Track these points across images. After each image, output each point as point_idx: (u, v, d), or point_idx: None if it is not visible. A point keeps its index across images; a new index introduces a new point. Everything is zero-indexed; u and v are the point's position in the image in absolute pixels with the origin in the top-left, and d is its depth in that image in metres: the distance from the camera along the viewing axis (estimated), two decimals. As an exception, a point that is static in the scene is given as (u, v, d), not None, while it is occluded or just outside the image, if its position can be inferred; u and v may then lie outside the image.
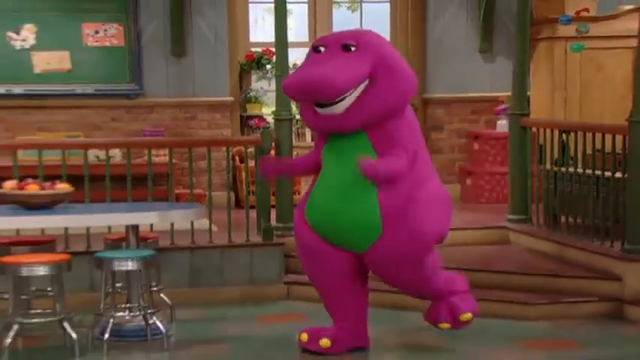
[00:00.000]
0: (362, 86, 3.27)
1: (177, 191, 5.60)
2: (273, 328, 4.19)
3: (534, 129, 5.28)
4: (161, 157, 5.70)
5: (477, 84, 6.64)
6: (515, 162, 5.25)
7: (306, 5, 6.88)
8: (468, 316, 3.60)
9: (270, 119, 6.25)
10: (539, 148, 5.20)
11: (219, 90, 6.44)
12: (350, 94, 3.26)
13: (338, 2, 7.23)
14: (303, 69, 3.43)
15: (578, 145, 4.75)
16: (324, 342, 3.56)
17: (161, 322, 3.85)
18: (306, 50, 7.37)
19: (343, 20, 7.16)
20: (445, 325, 3.64)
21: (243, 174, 5.75)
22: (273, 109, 5.23)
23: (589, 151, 4.65)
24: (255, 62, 6.72)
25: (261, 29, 7.09)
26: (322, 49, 3.37)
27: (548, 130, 5.05)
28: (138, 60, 6.25)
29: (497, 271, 4.62)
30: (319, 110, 3.34)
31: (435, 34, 6.73)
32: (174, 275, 4.55)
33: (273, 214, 4.89)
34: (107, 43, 6.25)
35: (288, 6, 5.18)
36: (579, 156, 4.76)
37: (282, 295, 4.73)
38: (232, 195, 5.38)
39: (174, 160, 5.07)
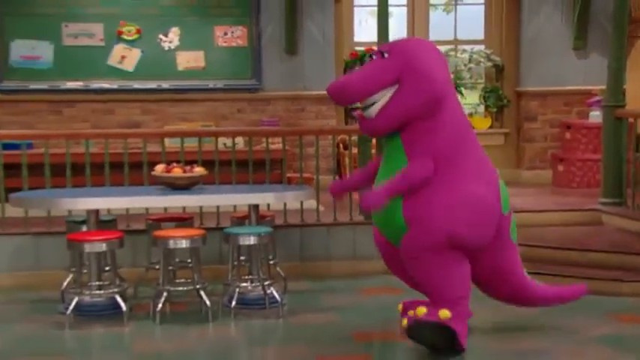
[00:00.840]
0: (392, 91, 3.09)
1: (288, 175, 5.61)
2: (374, 299, 4.10)
3: (631, 119, 4.99)
4: (276, 144, 5.71)
5: (571, 78, 6.47)
6: (609, 150, 4.98)
7: (405, 8, 6.78)
8: (446, 313, 3.15)
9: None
10: (637, 137, 4.92)
11: (326, 84, 6.22)
12: (379, 98, 3.09)
13: (434, 5, 7.05)
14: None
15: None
16: (420, 309, 3.28)
17: (277, 292, 3.85)
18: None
19: (439, 21, 7.01)
20: (445, 314, 3.13)
21: (347, 159, 5.66)
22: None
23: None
24: (359, 60, 6.59)
25: (364, 30, 6.98)
26: (374, 56, 3.23)
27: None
28: (258, 58, 6.31)
29: (591, 249, 4.33)
30: (363, 112, 3.21)
31: (529, 33, 6.55)
32: (286, 250, 4.52)
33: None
34: (234, 44, 6.32)
35: (389, 9, 5.01)
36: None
37: (382, 270, 4.53)
38: (337, 178, 5.28)
39: (286, 147, 5.04)
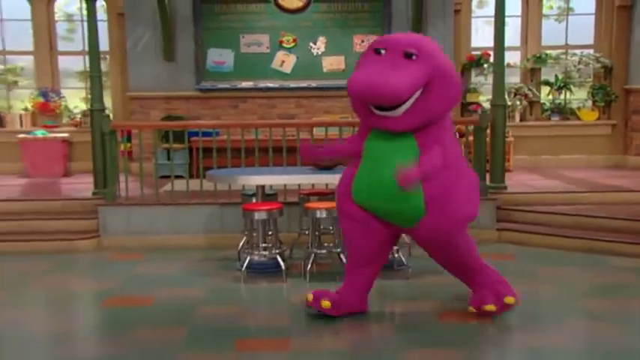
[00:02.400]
0: (418, 93, 2.59)
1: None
2: (488, 263, 3.78)
3: None
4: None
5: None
6: None
7: (519, 18, 6.28)
8: (511, 299, 2.88)
9: (485, 105, 5.84)
10: None
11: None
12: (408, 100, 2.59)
13: (547, 15, 6.44)
14: (366, 70, 2.60)
15: None
16: (325, 303, 2.92)
17: (403, 256, 3.73)
18: (517, 53, 6.50)
19: (550, 29, 6.42)
20: (490, 307, 2.89)
21: (462, 147, 5.30)
22: (488, 97, 4.73)
23: None
24: (475, 62, 6.25)
25: (480, 37, 6.54)
26: (383, 51, 2.62)
27: None
28: (388, 62, 6.14)
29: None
30: (377, 112, 2.66)
31: (640, 38, 6.01)
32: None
33: (487, 175, 4.58)
34: (369, 50, 6.22)
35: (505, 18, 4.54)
36: None
37: (494, 239, 4.39)
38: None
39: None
